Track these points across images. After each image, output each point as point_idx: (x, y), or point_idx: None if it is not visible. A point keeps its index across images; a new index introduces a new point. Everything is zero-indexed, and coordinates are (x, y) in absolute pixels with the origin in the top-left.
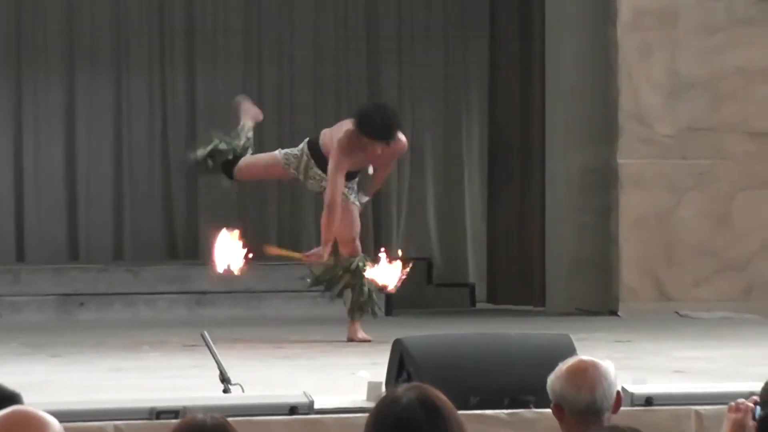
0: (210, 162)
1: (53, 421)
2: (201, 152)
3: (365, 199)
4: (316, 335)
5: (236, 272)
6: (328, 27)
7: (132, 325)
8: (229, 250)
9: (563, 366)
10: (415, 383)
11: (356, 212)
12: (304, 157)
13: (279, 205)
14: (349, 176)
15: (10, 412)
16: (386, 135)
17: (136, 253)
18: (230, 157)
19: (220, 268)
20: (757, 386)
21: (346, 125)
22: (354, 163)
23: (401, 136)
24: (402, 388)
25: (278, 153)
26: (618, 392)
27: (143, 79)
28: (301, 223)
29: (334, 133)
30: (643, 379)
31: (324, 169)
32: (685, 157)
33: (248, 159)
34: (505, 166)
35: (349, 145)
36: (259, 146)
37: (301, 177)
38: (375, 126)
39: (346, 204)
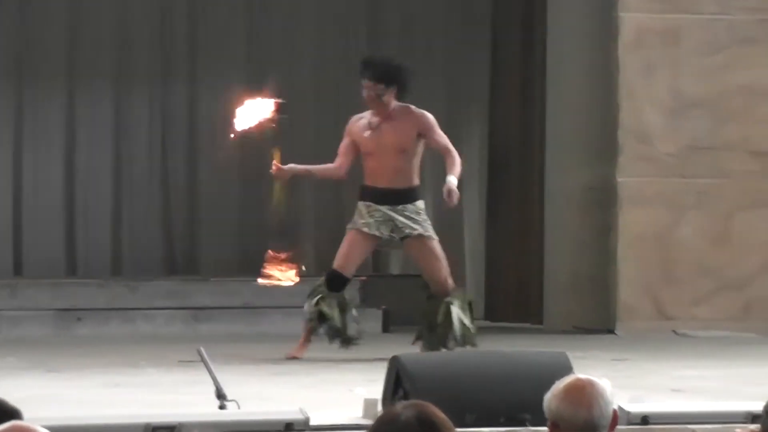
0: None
1: None
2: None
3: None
4: (313, 352)
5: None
6: (329, 46)
7: (129, 340)
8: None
9: (560, 384)
10: (413, 401)
11: (437, 246)
12: (360, 206)
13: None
14: (390, 197)
15: (9, 427)
16: (375, 69)
17: (134, 268)
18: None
19: (239, 126)
20: (755, 406)
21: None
22: (368, 137)
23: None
24: (401, 406)
25: (348, 226)
26: (615, 411)
27: (143, 95)
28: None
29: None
30: (640, 397)
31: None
32: (685, 175)
33: (338, 259)
34: (504, 183)
35: (352, 123)
36: (259, 163)
37: (376, 232)
38: (365, 62)
39: (421, 241)
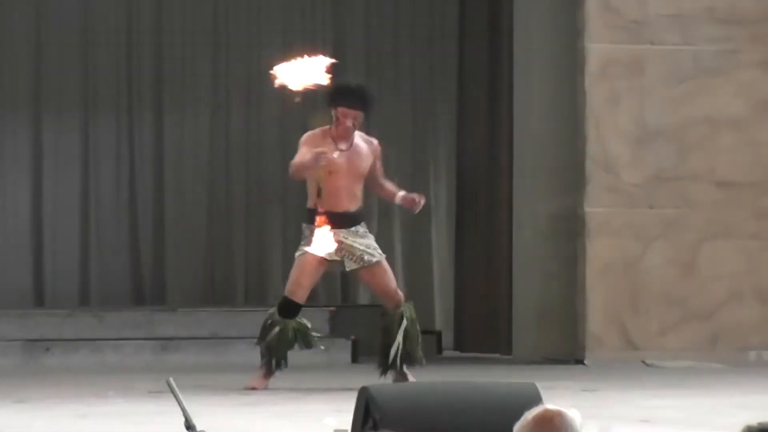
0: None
1: None
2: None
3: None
4: (281, 382)
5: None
6: None
7: (98, 370)
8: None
9: (529, 415)
10: (383, 431)
11: (386, 264)
12: (306, 231)
13: (246, 251)
14: (346, 220)
15: None
16: (362, 98)
17: (102, 299)
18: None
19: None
20: None
21: None
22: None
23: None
24: None
25: (297, 253)
26: None
27: (111, 125)
28: (269, 273)
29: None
30: (608, 427)
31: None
32: (652, 206)
33: (290, 285)
34: (472, 214)
35: (311, 138)
36: (227, 194)
37: (326, 255)
38: (350, 90)
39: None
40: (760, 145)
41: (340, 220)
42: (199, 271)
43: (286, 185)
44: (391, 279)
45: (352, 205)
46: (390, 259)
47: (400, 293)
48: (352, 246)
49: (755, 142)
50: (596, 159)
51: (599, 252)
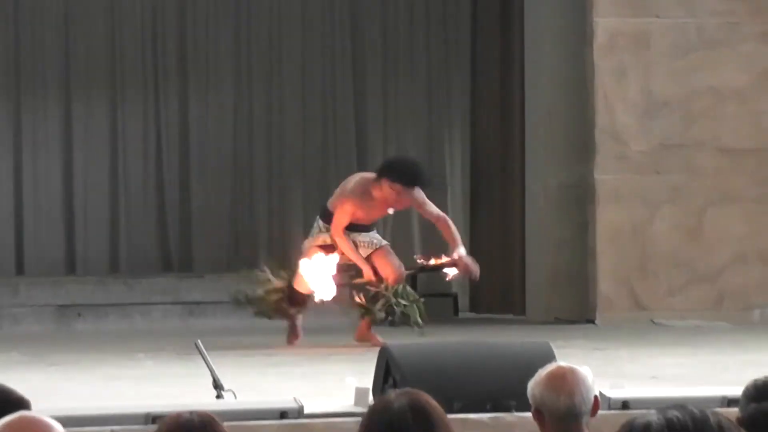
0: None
1: (58, 427)
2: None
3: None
4: (304, 343)
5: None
6: (315, 53)
7: (127, 335)
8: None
9: (542, 372)
10: (406, 389)
11: (389, 251)
12: (317, 227)
13: (269, 219)
14: (363, 228)
15: (17, 417)
16: (416, 180)
17: (131, 266)
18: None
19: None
20: (730, 391)
21: (355, 178)
22: (365, 211)
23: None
24: (394, 394)
25: (306, 243)
26: (596, 397)
27: (138, 102)
28: (290, 240)
29: (344, 186)
30: (620, 384)
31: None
32: (659, 172)
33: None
34: (486, 185)
35: (360, 191)
36: (250, 166)
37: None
38: (406, 171)
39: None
40: (762, 114)
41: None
42: (224, 239)
43: (306, 159)
44: (392, 258)
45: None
46: (408, 228)
47: (400, 272)
48: (361, 236)
49: (757, 111)
50: (605, 129)
51: (609, 218)
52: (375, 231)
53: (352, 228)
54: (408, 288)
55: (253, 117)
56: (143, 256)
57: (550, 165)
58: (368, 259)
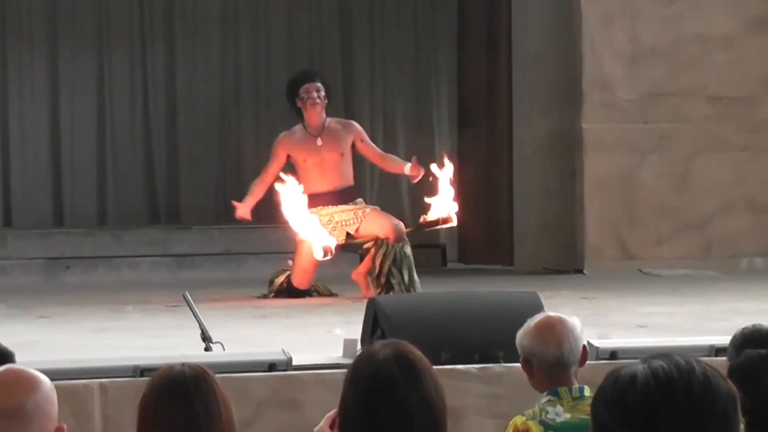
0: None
1: (45, 380)
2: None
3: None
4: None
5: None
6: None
7: (116, 287)
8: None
9: (531, 322)
10: (392, 340)
11: (380, 212)
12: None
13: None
14: (334, 198)
15: (3, 370)
16: (314, 73)
17: (119, 218)
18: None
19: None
20: (718, 340)
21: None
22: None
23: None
24: (379, 345)
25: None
26: (584, 346)
27: (124, 53)
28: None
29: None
30: (607, 333)
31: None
32: (646, 121)
33: (294, 267)
34: (473, 133)
35: (287, 140)
36: (237, 116)
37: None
38: (301, 73)
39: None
40: (749, 61)
41: (328, 199)
42: (211, 190)
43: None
44: (388, 217)
45: (340, 183)
46: (395, 177)
47: (399, 228)
48: (341, 214)
49: (744, 59)
50: (592, 77)
51: (596, 166)
52: (354, 202)
53: (323, 201)
54: (406, 249)
55: (240, 65)
56: (131, 208)
57: (536, 112)
58: (359, 230)
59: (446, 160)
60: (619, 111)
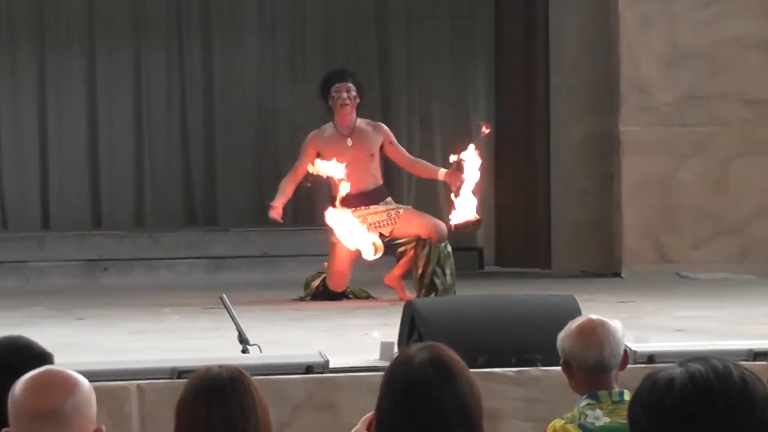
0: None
1: (84, 381)
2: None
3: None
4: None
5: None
6: (338, 1)
7: (153, 289)
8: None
9: (572, 325)
10: (428, 343)
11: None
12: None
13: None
14: (365, 199)
15: (42, 371)
16: (347, 72)
17: (157, 220)
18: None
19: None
20: (757, 344)
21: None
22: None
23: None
24: (415, 348)
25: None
26: (625, 350)
27: (162, 54)
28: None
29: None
30: (644, 337)
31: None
32: (684, 124)
33: (329, 270)
34: (511, 136)
35: (316, 139)
36: (274, 117)
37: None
38: (334, 71)
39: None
40: None
41: (359, 200)
42: (248, 193)
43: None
44: (426, 216)
45: (369, 184)
46: (434, 183)
47: (441, 228)
48: (374, 216)
49: None
50: (630, 80)
51: (634, 169)
52: (384, 203)
53: (353, 202)
54: (449, 248)
55: (278, 67)
56: (168, 210)
57: (574, 115)
58: (394, 232)
59: (475, 152)
60: (657, 114)
